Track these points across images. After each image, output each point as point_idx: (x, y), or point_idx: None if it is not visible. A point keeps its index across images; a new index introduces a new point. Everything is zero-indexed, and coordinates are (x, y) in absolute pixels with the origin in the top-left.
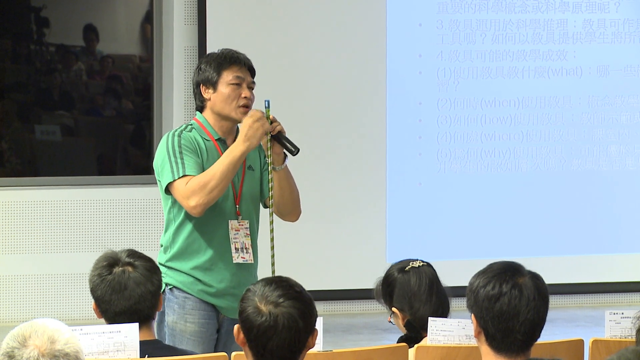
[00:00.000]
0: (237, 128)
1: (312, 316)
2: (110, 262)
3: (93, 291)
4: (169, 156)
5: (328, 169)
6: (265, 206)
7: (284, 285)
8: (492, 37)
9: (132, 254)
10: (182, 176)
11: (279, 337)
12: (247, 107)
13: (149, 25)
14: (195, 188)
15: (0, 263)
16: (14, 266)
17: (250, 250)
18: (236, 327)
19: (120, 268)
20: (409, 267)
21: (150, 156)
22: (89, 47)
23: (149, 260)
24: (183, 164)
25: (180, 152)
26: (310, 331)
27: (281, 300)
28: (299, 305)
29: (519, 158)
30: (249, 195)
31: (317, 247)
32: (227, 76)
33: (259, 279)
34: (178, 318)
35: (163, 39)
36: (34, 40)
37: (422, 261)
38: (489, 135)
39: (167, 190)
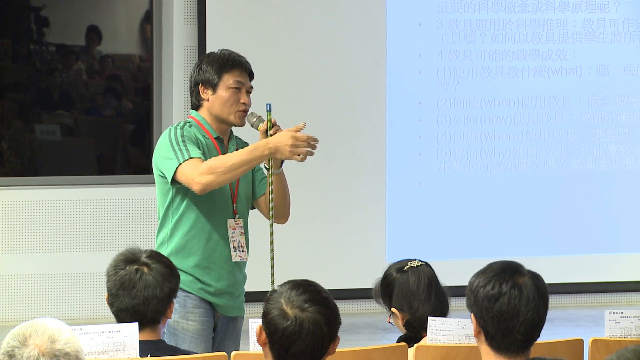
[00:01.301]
0: (231, 131)
1: (336, 323)
2: (129, 258)
3: (107, 282)
4: (173, 145)
5: (328, 168)
6: (252, 207)
7: (311, 290)
8: (491, 36)
9: (154, 255)
10: (188, 159)
11: (302, 342)
12: (245, 112)
13: (148, 25)
14: (204, 169)
15: (0, 263)
16: (14, 266)
17: (245, 249)
18: (258, 326)
19: (135, 266)
20: (408, 266)
21: (150, 156)
22: (89, 47)
23: (168, 266)
24: (187, 150)
25: (184, 142)
26: (333, 338)
27: (307, 305)
28: (325, 312)
29: (518, 158)
30: (244, 194)
31: (317, 247)
32: (228, 80)
33: (286, 281)
34: (179, 317)
35: (163, 38)
36: (34, 40)
37: (421, 261)
38: (489, 135)
39: (174, 179)
